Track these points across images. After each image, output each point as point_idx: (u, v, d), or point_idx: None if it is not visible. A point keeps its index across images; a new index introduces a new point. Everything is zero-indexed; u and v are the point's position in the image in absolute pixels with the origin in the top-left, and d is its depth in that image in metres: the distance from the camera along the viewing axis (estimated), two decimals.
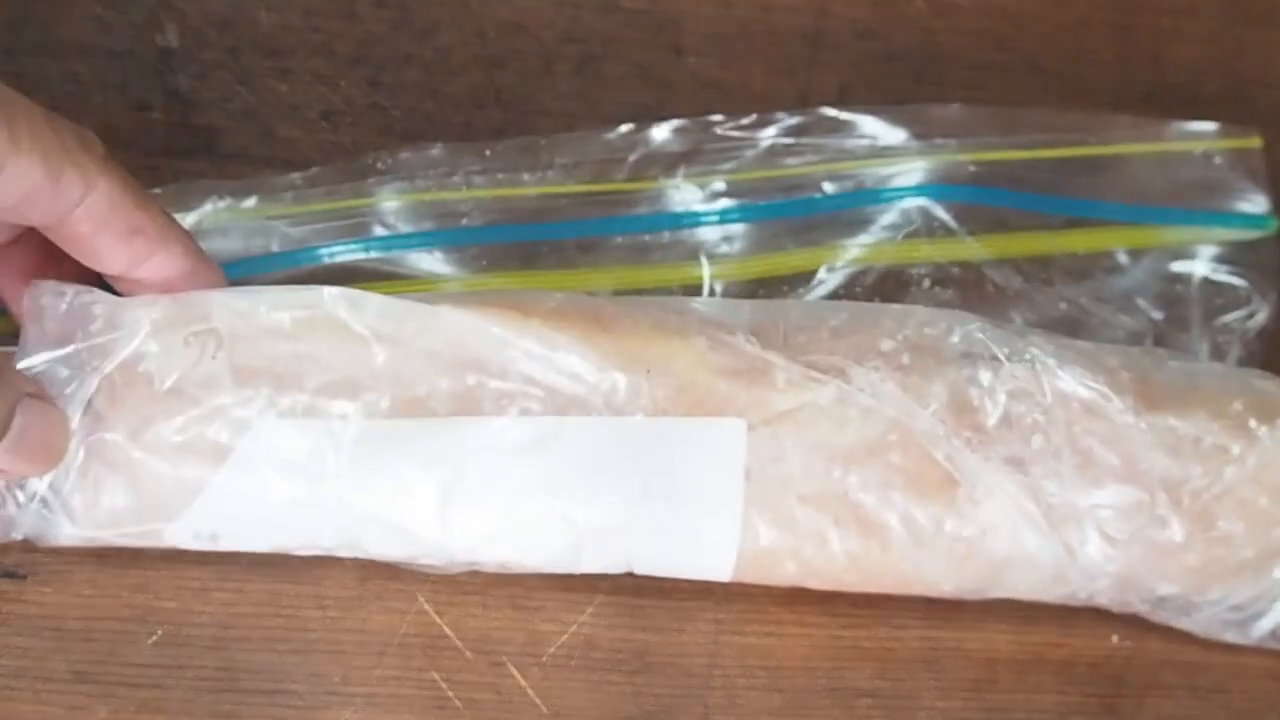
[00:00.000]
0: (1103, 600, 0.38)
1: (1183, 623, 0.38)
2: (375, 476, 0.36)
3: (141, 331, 0.35)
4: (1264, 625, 0.38)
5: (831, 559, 0.37)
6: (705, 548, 0.37)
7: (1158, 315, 0.43)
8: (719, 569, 0.37)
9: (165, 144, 0.42)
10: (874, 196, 0.43)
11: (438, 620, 0.38)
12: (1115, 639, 0.40)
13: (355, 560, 0.38)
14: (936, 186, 0.43)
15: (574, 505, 0.36)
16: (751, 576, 0.37)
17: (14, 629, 0.38)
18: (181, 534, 0.36)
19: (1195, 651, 0.40)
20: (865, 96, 0.46)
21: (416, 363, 0.36)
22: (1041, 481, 0.36)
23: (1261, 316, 0.43)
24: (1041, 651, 0.39)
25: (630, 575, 0.38)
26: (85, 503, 0.35)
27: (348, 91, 0.45)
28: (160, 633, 0.38)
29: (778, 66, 0.47)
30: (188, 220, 0.41)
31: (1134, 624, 0.40)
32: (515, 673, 0.38)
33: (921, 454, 0.36)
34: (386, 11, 0.46)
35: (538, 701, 0.38)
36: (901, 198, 0.43)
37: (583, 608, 0.39)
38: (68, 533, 0.36)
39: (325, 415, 0.35)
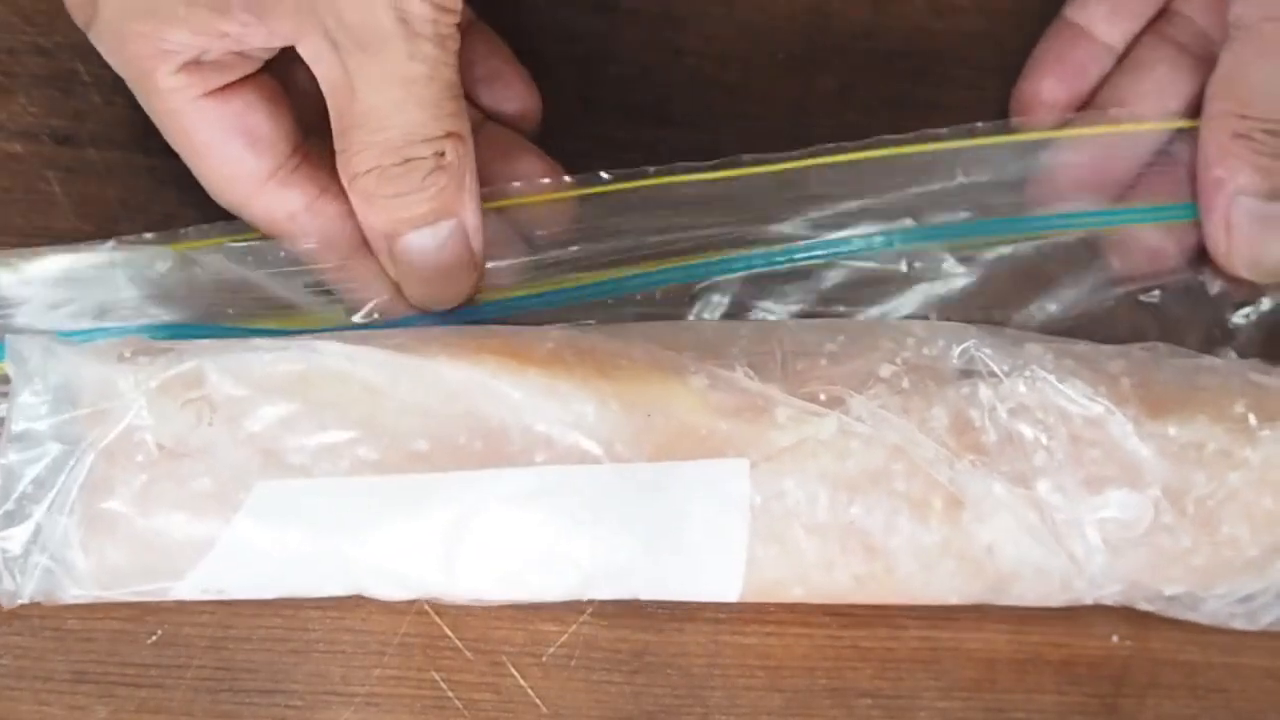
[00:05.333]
0: (1109, 602, 0.38)
1: (1190, 616, 0.38)
2: (378, 532, 0.35)
3: (137, 401, 0.35)
4: (1273, 613, 0.38)
5: (838, 583, 0.37)
6: (711, 584, 0.37)
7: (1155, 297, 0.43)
8: (725, 598, 0.37)
9: (166, 145, 0.42)
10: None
11: (437, 620, 0.38)
12: (1115, 639, 0.40)
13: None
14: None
15: (579, 551, 0.36)
16: (758, 599, 0.38)
17: (14, 629, 0.38)
18: (189, 590, 0.36)
19: (1195, 651, 0.40)
20: (865, 96, 0.46)
21: (414, 418, 0.35)
22: (1046, 496, 0.36)
23: (1266, 305, 0.43)
24: (1041, 651, 0.39)
25: None
26: (90, 568, 0.35)
27: None
28: (160, 633, 0.38)
29: (778, 66, 0.47)
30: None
31: (1134, 624, 0.40)
32: (515, 673, 0.38)
33: (925, 478, 0.36)
34: None
35: (538, 701, 0.38)
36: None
37: (583, 608, 0.39)
38: (74, 594, 0.36)
39: (326, 473, 0.35)
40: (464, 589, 0.37)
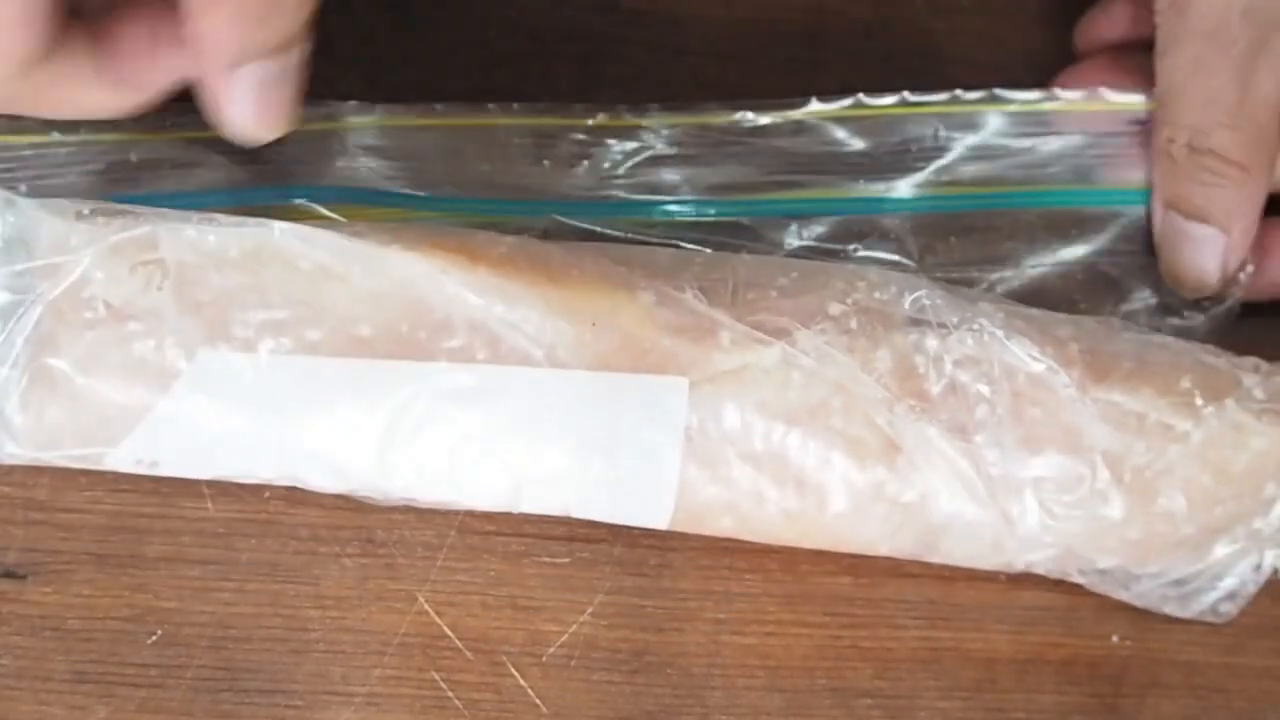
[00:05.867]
0: (1040, 570, 0.38)
1: (1122, 595, 0.38)
2: (315, 414, 0.36)
3: (88, 257, 0.35)
4: (1205, 600, 0.38)
5: (768, 516, 0.37)
6: (642, 501, 0.37)
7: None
8: (655, 520, 0.37)
9: None
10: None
11: (438, 620, 0.38)
12: (1115, 639, 0.40)
13: (355, 560, 0.38)
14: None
15: (513, 453, 0.36)
16: (688, 527, 0.38)
17: (14, 629, 0.38)
18: (123, 459, 0.36)
19: (1195, 651, 0.40)
20: None
21: (362, 304, 0.36)
22: (983, 451, 0.36)
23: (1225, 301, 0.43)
24: (1041, 651, 0.39)
25: (629, 574, 0.39)
26: (28, 424, 0.36)
27: (347, 91, 0.45)
28: (160, 633, 0.38)
29: (778, 66, 0.47)
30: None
31: (1134, 624, 0.40)
32: (515, 673, 0.38)
33: (864, 419, 0.36)
34: (386, 12, 0.46)
35: (538, 701, 0.38)
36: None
37: (583, 608, 0.39)
38: (10, 451, 0.36)
39: (269, 350, 0.35)
40: (396, 485, 0.37)
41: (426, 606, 0.39)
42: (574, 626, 0.39)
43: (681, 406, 0.36)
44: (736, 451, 0.36)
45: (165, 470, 0.37)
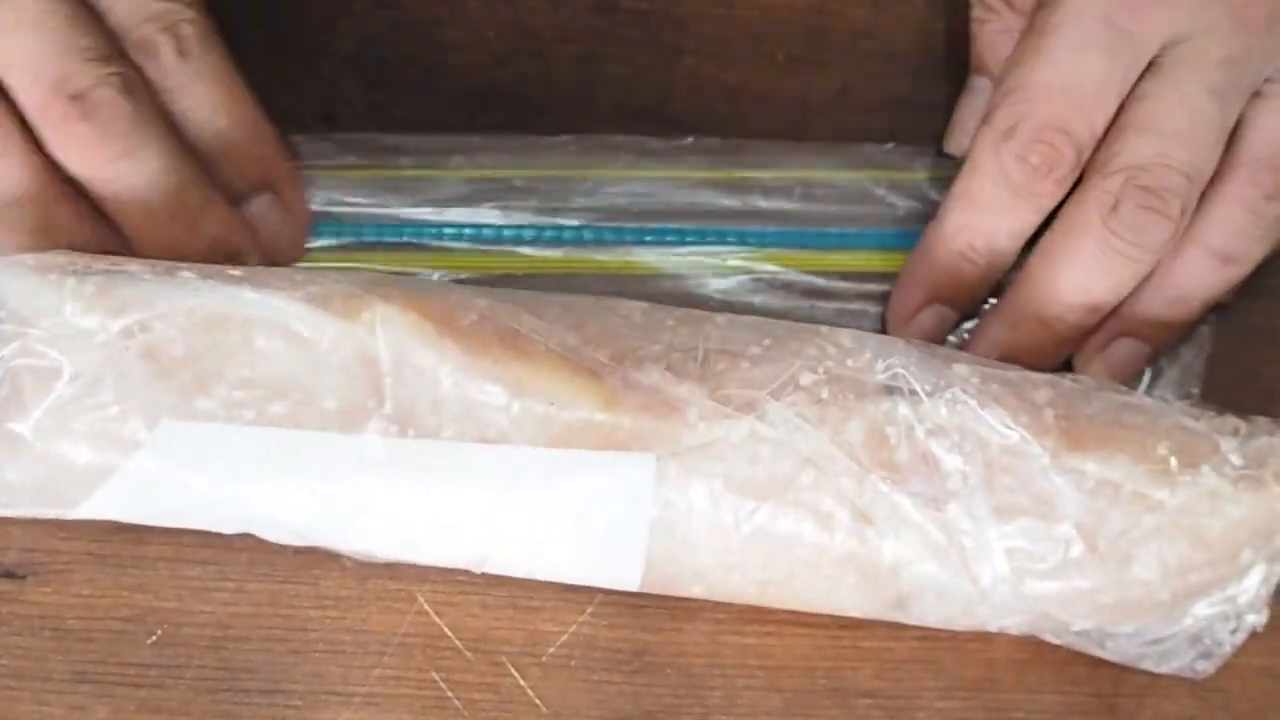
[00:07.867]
0: (1014, 632, 0.38)
1: (1097, 652, 0.38)
2: (278, 485, 0.36)
3: (55, 319, 0.35)
4: (1182, 659, 0.38)
5: (738, 585, 0.37)
6: (609, 571, 0.37)
7: None
8: (623, 586, 0.37)
9: None
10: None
11: (437, 620, 0.38)
12: None
13: (355, 560, 0.38)
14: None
15: (477, 528, 0.36)
16: (658, 590, 0.38)
17: (14, 629, 0.38)
18: (82, 515, 0.36)
19: None
20: (865, 96, 0.46)
21: (328, 375, 0.35)
22: (956, 520, 0.36)
23: (1199, 343, 0.43)
24: (1041, 651, 0.39)
25: None
26: None
27: (348, 91, 0.45)
28: (160, 633, 0.38)
29: (778, 66, 0.47)
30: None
31: None
32: (515, 673, 0.38)
33: (834, 490, 0.36)
34: (386, 11, 0.46)
35: (537, 701, 0.38)
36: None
37: (583, 608, 0.39)
38: None
39: (234, 419, 0.35)
40: (358, 547, 0.37)
41: (426, 606, 0.39)
42: (574, 626, 0.39)
43: (648, 483, 0.35)
44: (705, 525, 0.36)
45: (125, 520, 0.37)
